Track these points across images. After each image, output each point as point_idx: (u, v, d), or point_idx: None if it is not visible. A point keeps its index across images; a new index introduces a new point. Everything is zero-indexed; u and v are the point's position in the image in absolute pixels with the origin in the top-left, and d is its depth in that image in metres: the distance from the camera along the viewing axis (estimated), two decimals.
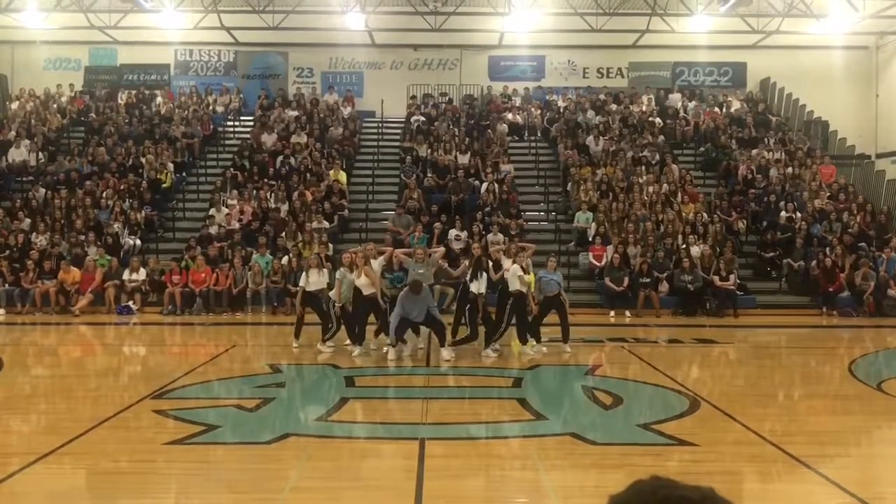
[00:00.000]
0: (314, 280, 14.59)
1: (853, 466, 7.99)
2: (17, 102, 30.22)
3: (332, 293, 14.19)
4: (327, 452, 8.15)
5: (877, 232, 23.50)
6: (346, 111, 30.10)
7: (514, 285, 13.66)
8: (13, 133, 27.72)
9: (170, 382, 11.21)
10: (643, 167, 25.97)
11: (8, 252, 21.95)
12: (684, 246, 22.02)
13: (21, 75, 31.62)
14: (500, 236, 22.07)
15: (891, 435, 9.52)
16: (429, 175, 25.77)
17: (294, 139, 27.46)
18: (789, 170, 26.28)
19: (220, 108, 30.73)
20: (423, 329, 14.13)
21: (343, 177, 25.61)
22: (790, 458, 7.66)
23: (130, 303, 20.73)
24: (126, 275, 21.06)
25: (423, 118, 29.24)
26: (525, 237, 22.46)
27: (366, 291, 13.75)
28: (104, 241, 22.23)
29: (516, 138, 29.08)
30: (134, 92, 30.99)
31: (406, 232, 22.40)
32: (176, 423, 8.93)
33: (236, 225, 23.23)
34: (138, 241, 22.88)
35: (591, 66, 32.31)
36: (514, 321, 13.91)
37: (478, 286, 13.69)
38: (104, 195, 24.27)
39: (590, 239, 22.79)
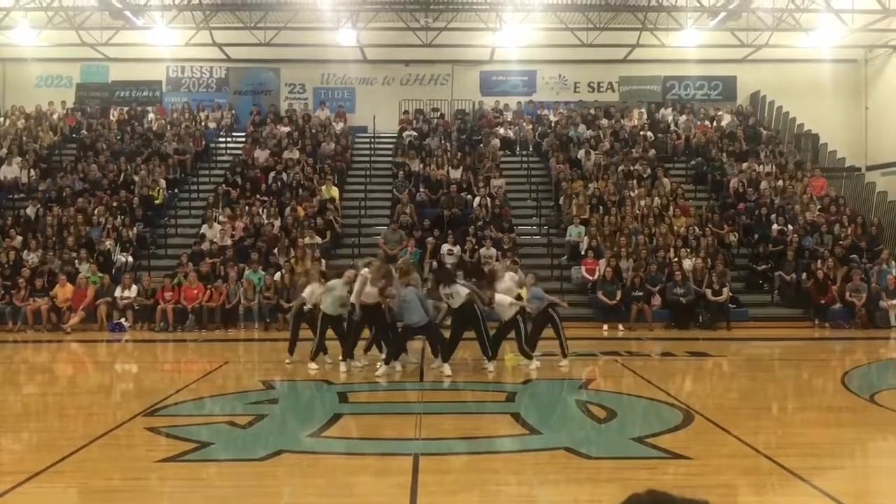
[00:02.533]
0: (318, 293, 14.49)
1: (847, 478, 7.99)
2: (9, 120, 30.20)
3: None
4: (320, 469, 8.12)
5: (868, 244, 23.57)
6: (338, 127, 30.13)
7: (507, 314, 13.68)
8: (5, 150, 27.71)
9: (162, 399, 11.17)
10: (635, 181, 26.04)
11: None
12: (676, 259, 22.05)
13: (13, 92, 31.62)
14: (493, 251, 22.11)
15: (884, 446, 9.53)
16: (421, 190, 25.80)
17: (286, 155, 27.48)
18: (780, 183, 26.37)
19: (212, 125, 30.76)
20: (416, 344, 14.12)
21: (335, 192, 25.62)
22: (784, 471, 7.66)
23: (122, 320, 20.67)
24: (118, 292, 21.01)
25: (415, 133, 29.32)
26: (517, 251, 22.52)
27: (371, 300, 13.59)
28: (96, 259, 22.17)
29: (508, 153, 29.15)
30: (126, 109, 31.02)
31: (398, 248, 22.42)
32: (168, 441, 8.89)
33: (228, 241, 23.19)
34: (130, 258, 22.82)
35: (582, 80, 32.46)
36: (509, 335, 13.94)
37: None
38: (96, 212, 24.22)
39: (582, 253, 22.81)
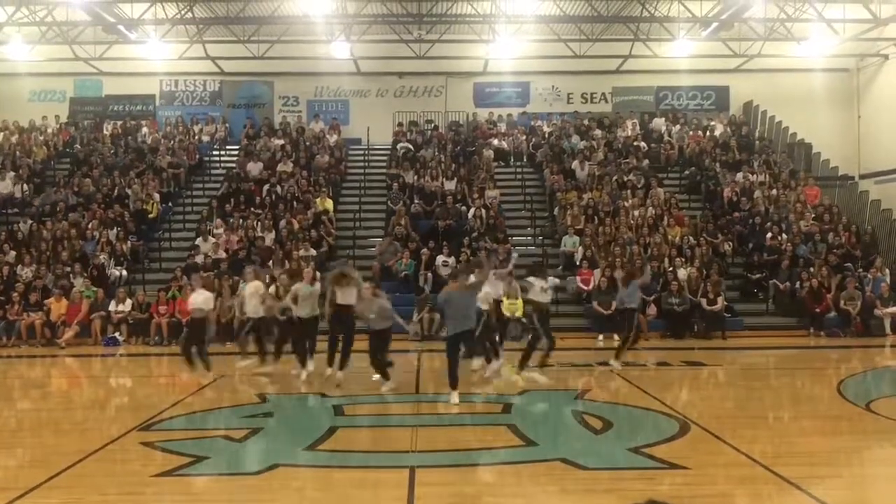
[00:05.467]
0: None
1: (844, 487, 7.99)
2: (2, 134, 30.15)
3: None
4: (316, 482, 8.10)
5: (862, 252, 23.62)
6: (332, 139, 30.15)
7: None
8: None
9: (157, 414, 11.13)
10: (629, 191, 26.09)
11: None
12: (671, 269, 22.09)
13: (6, 107, 31.52)
14: None
15: (880, 455, 9.53)
16: (416, 201, 25.80)
17: (280, 167, 27.47)
18: (773, 192, 26.43)
19: (205, 138, 30.74)
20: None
21: (330, 204, 25.62)
22: (781, 480, 7.66)
23: (117, 334, 20.61)
24: (112, 306, 20.95)
25: (409, 145, 29.32)
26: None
27: (345, 301, 13.56)
28: (90, 273, 22.13)
29: (502, 164, 29.17)
30: (119, 123, 30.99)
31: (393, 260, 22.41)
32: (164, 455, 8.86)
33: (223, 254, 23.15)
34: (125, 272, 22.78)
35: (575, 91, 32.51)
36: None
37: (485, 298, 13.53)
38: (90, 226, 24.19)
39: (577, 263, 22.84)
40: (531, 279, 13.91)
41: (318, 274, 15.44)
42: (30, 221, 24.71)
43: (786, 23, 26.97)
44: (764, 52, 28.38)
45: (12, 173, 27.09)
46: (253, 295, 15.29)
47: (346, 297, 13.55)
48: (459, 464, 8.65)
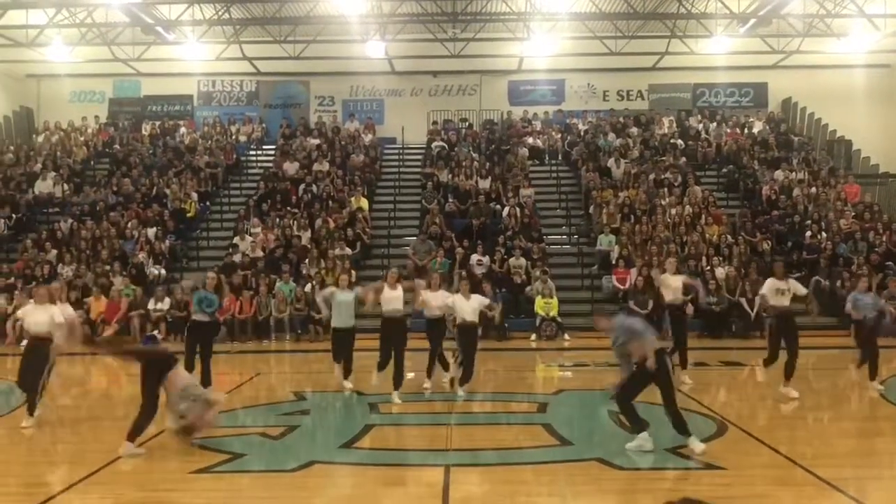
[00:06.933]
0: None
1: (884, 489, 7.88)
2: (44, 135, 30.67)
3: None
4: (352, 480, 8.14)
5: None
6: (367, 138, 30.27)
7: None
8: (39, 165, 28.14)
9: None
10: (665, 189, 25.89)
11: (34, 283, 22.11)
12: (709, 268, 21.88)
13: (47, 108, 32.08)
14: (523, 260, 22.08)
15: None
16: (450, 200, 25.80)
17: (316, 167, 27.64)
18: (813, 190, 26.10)
19: (242, 138, 31.02)
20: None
21: (365, 203, 25.72)
22: (820, 482, 7.57)
23: (155, 332, 20.83)
24: (151, 304, 21.19)
25: (443, 144, 29.34)
26: (548, 261, 22.49)
27: (392, 307, 12.59)
28: (129, 271, 22.40)
29: (537, 162, 29.10)
30: (158, 123, 31.36)
31: (427, 258, 22.43)
32: (202, 452, 8.93)
33: (260, 253, 23.33)
34: (163, 271, 23.03)
35: (610, 89, 32.36)
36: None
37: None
38: (129, 225, 24.50)
39: (613, 262, 22.70)
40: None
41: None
42: (70, 221, 25.08)
43: (825, 18, 26.65)
44: (803, 49, 28.05)
45: (53, 173, 27.53)
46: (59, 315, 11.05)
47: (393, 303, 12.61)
48: (495, 463, 8.65)
